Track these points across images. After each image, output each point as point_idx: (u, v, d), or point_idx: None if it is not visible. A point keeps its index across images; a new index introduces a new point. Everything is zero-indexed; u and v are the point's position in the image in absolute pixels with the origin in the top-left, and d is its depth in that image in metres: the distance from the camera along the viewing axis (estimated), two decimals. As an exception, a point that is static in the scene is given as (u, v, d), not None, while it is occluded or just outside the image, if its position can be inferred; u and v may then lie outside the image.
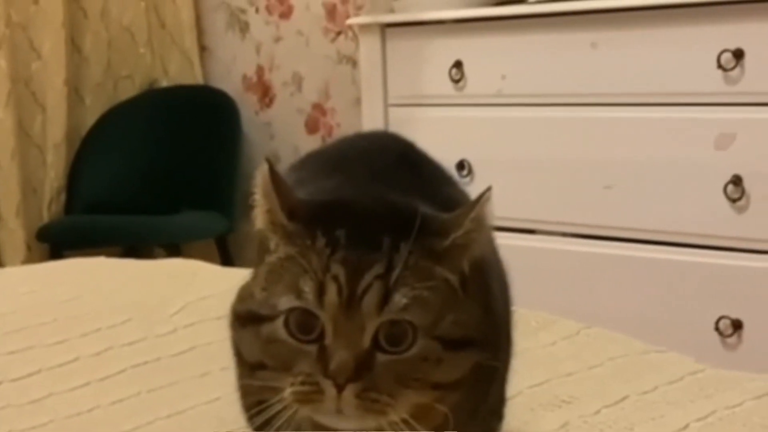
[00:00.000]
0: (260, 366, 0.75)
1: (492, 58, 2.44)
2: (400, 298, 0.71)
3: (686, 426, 1.15)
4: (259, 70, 3.69)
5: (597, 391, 1.26)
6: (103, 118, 3.70)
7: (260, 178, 0.76)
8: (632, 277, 2.22)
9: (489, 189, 0.77)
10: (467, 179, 2.46)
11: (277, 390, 0.74)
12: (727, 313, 2.09)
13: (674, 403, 1.22)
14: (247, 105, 3.69)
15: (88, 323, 1.65)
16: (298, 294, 0.72)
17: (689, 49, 2.14)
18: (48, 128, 3.54)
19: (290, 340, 0.73)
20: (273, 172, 0.76)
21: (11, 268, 2.91)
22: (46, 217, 3.54)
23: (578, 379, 1.31)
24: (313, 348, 0.72)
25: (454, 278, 0.75)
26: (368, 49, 2.64)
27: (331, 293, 0.71)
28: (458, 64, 2.46)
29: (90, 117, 3.68)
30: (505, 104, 2.43)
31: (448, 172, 1.04)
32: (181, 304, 1.75)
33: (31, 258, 3.37)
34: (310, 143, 3.52)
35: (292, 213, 0.75)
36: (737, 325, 2.08)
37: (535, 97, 2.38)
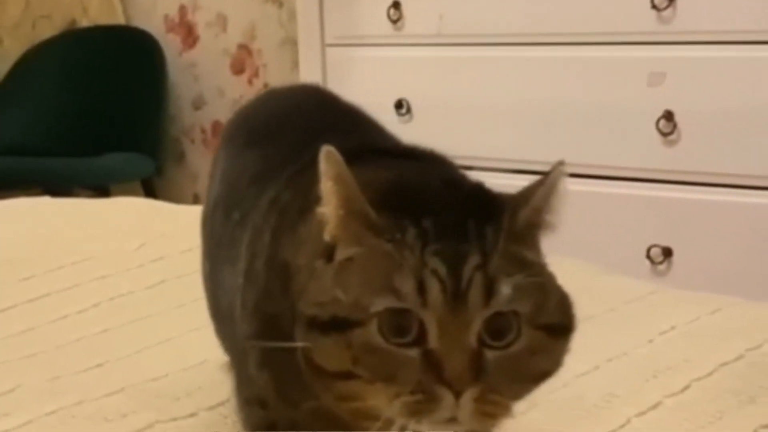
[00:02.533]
0: (347, 376, 0.67)
1: (429, -2, 2.49)
2: (504, 288, 0.66)
3: (651, 340, 1.24)
4: (182, 9, 3.66)
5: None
6: (21, 59, 3.64)
7: (330, 163, 0.68)
8: (569, 209, 2.30)
9: (561, 163, 0.72)
10: (406, 118, 2.52)
11: (367, 408, 0.67)
12: (657, 242, 2.20)
13: (637, 319, 1.31)
14: (170, 46, 3.66)
15: (50, 261, 1.66)
16: (395, 293, 0.65)
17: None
18: (-32, 69, 3.48)
19: (387, 345, 0.65)
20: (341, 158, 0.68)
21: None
22: (-33, 160, 3.49)
23: (544, 301, 1.39)
24: (414, 352, 0.65)
25: (541, 260, 0.72)
26: (304, -12, 2.66)
27: (434, 290, 0.65)
28: (396, 5, 2.50)
29: (9, 58, 3.62)
30: (443, 44, 2.49)
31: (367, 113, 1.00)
32: (141, 240, 1.77)
33: (-46, 201, 3.32)
34: (236, 84, 3.52)
35: (376, 201, 0.68)
36: (667, 253, 2.19)
37: (473, 37, 2.44)
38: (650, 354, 1.19)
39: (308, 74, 2.66)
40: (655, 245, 2.19)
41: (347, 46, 2.61)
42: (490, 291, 0.66)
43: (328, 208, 0.69)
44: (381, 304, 0.65)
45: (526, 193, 0.71)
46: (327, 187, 0.69)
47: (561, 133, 2.32)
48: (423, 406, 0.65)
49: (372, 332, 0.65)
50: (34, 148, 3.49)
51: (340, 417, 0.70)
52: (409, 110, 2.51)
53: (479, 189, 0.73)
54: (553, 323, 0.69)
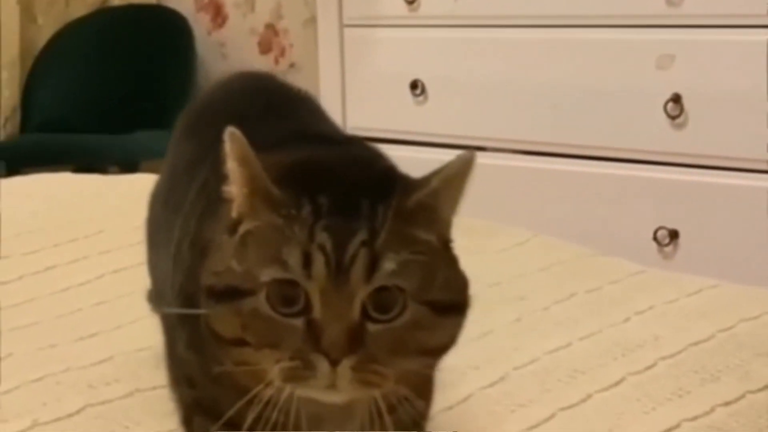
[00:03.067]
0: (239, 342, 0.70)
1: (445, -22, 2.51)
2: (388, 264, 0.68)
3: (627, 319, 1.26)
4: (212, -11, 3.71)
5: (547, 290, 1.37)
6: (55, 36, 3.70)
7: (233, 143, 0.71)
8: (577, 191, 2.33)
9: (472, 153, 0.73)
10: (421, 99, 2.54)
11: (258, 373, 0.70)
12: (664, 224, 2.21)
13: (617, 299, 1.34)
14: (199, 25, 3.71)
15: (61, 234, 1.71)
16: (282, 265, 0.68)
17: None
18: (1, 47, 3.54)
19: (273, 313, 0.69)
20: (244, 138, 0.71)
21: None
22: (2, 135, 3.57)
23: (529, 280, 1.42)
24: (299, 321, 0.68)
25: (434, 239, 0.73)
26: (322, -31, 2.69)
27: (319, 263, 0.67)
28: (412, -15, 2.53)
29: (43, 36, 3.68)
30: (458, 25, 2.51)
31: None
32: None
33: (-13, 176, 3.40)
34: (263, 63, 3.56)
35: (277, 178, 0.71)
36: (674, 235, 2.20)
37: (487, 18, 2.46)
38: (623, 332, 1.21)
39: (327, 54, 2.69)
40: (661, 227, 2.21)
41: (365, 27, 2.64)
42: (373, 266, 0.68)
43: (234, 186, 0.72)
44: (269, 274, 0.68)
45: (427, 177, 0.73)
46: (232, 167, 0.72)
47: (570, 114, 2.33)
48: (300, 372, 0.68)
49: (260, 301, 0.69)
50: (66, 124, 3.56)
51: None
52: (424, 91, 2.54)
53: (383, 171, 0.76)
54: (440, 300, 0.72)
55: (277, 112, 0.91)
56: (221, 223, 0.74)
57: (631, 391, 1.06)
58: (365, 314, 0.69)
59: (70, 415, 1.02)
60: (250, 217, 0.72)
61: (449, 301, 0.73)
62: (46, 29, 3.69)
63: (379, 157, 0.80)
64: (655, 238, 2.21)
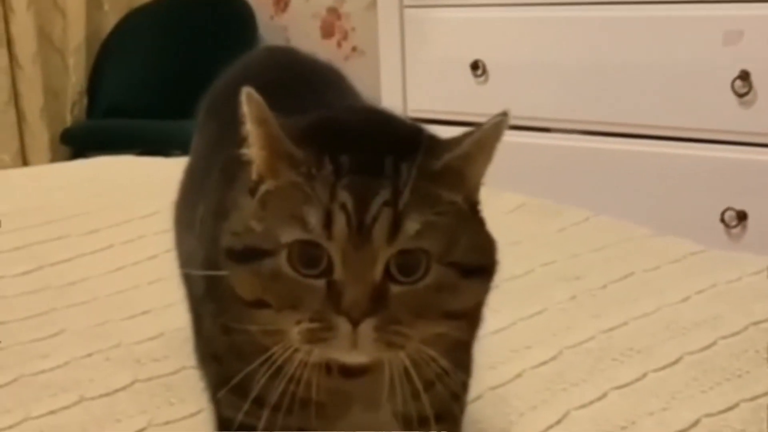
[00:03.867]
0: (260, 304, 0.69)
1: (506, -42, 2.47)
2: (411, 225, 0.66)
3: (687, 298, 1.23)
4: (274, -26, 3.72)
5: (603, 269, 1.34)
6: (121, 23, 3.74)
7: (250, 104, 0.69)
8: (643, 171, 2.28)
9: (504, 114, 0.70)
10: (482, 79, 2.51)
11: (278, 334, 0.69)
12: (732, 205, 2.15)
13: (676, 278, 1.30)
14: (262, 10, 3.72)
15: (119, 215, 1.72)
16: (303, 225, 0.66)
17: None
18: (68, 33, 3.59)
19: (295, 275, 0.67)
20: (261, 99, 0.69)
21: (40, 167, 3.00)
22: (69, 121, 3.62)
23: (586, 259, 1.39)
24: (320, 283, 0.67)
25: (460, 201, 0.71)
26: (383, -49, 2.67)
27: (340, 223, 0.66)
28: (473, -35, 2.50)
29: (109, 22, 3.72)
30: (518, 4, 2.47)
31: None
32: (208, 196, 1.82)
33: (54, 160, 3.45)
34: (326, 48, 3.55)
35: (297, 138, 0.69)
36: (742, 216, 2.14)
37: (548, -4, 2.42)
38: (681, 312, 1.18)
39: (387, 36, 2.67)
40: (729, 208, 2.15)
41: (425, 7, 2.61)
42: (396, 227, 0.66)
43: (253, 149, 0.71)
44: (290, 235, 0.67)
45: (458, 138, 0.71)
46: (250, 128, 0.70)
47: (635, 93, 2.28)
48: (320, 333, 0.66)
49: (281, 262, 0.67)
50: (131, 110, 3.60)
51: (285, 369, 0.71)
52: (484, 71, 2.50)
53: (408, 130, 0.73)
54: (465, 262, 0.69)
55: (298, 84, 0.90)
56: (243, 186, 0.73)
57: (688, 370, 1.03)
58: (387, 275, 0.67)
59: (116, 391, 1.03)
60: (270, 177, 0.70)
61: (475, 264, 0.70)
62: (111, 16, 3.73)
63: (404, 120, 0.78)
64: (722, 220, 2.16)
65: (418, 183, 0.68)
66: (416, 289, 0.67)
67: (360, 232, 0.66)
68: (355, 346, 0.66)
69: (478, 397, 0.96)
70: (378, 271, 0.67)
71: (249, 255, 0.69)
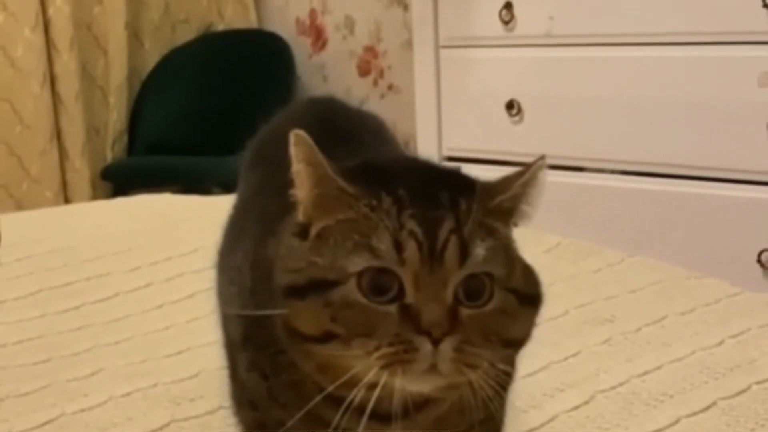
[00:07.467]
0: (327, 337, 0.68)
1: (541, -1, 2.50)
2: (479, 250, 0.69)
3: (721, 342, 1.22)
4: (312, 13, 3.76)
5: (638, 312, 1.34)
6: (162, 61, 3.80)
7: (299, 145, 0.71)
8: (678, 212, 2.28)
9: (543, 158, 0.74)
10: (517, 119, 2.53)
11: (339, 369, 0.69)
12: (769, 246, 2.15)
13: (711, 322, 1.30)
14: (300, 48, 3.77)
15: (159, 253, 1.75)
16: (373, 252, 0.68)
17: (736, -11, 2.18)
18: (110, 71, 3.65)
19: (366, 302, 0.68)
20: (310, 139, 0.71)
21: (81, 204, 3.04)
22: (109, 157, 3.67)
23: (620, 301, 1.39)
24: (392, 308, 0.67)
25: (511, 235, 0.74)
26: (420, -9, 2.70)
27: (411, 249, 0.67)
28: (508, 6, 2.51)
29: (149, 60, 3.78)
30: (553, 45, 2.49)
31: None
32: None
33: (96, 197, 3.50)
34: (362, 85, 3.59)
35: (348, 177, 0.71)
36: (779, 258, 2.14)
37: (582, 37, 2.43)
38: (716, 356, 1.18)
39: (423, 75, 2.70)
40: (766, 250, 2.14)
41: (460, 47, 2.63)
42: (464, 252, 0.69)
43: (302, 190, 0.72)
44: (359, 263, 0.68)
45: (505, 181, 0.73)
46: (299, 169, 0.71)
47: (670, 133, 2.28)
48: (401, 356, 0.67)
49: (351, 290, 0.68)
50: (171, 147, 3.65)
51: (324, 416, 0.72)
52: (520, 110, 2.52)
53: (456, 171, 0.76)
54: (522, 290, 0.72)
55: (342, 134, 0.91)
56: (286, 232, 0.74)
57: (722, 416, 1.03)
58: (457, 300, 0.69)
59: (154, 431, 1.04)
60: (321, 217, 0.71)
61: (529, 292, 0.73)
62: (152, 54, 3.79)
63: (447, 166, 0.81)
64: (759, 261, 2.15)
65: (477, 215, 0.70)
66: (484, 313, 0.69)
67: (432, 257, 0.68)
68: (434, 368, 0.67)
69: (511, 441, 0.97)
70: (450, 295, 0.68)
71: (314, 287, 0.69)
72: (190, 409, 1.09)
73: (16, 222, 2.09)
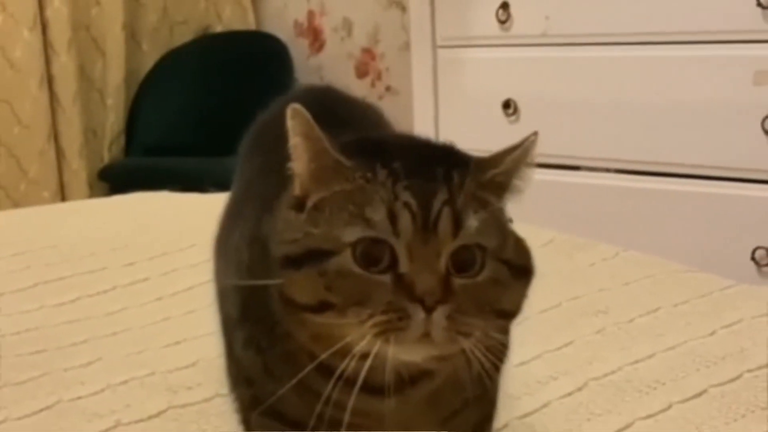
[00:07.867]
0: (322, 306, 0.70)
1: (537, -1, 2.51)
2: (471, 222, 0.70)
3: (713, 332, 1.24)
4: (310, 15, 3.77)
5: (631, 303, 1.35)
6: (159, 62, 3.81)
7: (298, 121, 0.72)
8: (673, 210, 2.29)
9: (535, 134, 0.75)
10: (513, 118, 2.54)
11: (333, 338, 0.70)
12: (763, 243, 2.15)
13: (703, 313, 1.31)
14: (298, 50, 3.78)
15: (156, 248, 1.76)
16: (367, 223, 0.69)
17: (730, -12, 2.20)
18: (108, 72, 3.66)
19: (361, 271, 0.69)
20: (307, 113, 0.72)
21: (78, 201, 3.05)
22: (106, 158, 3.68)
23: (614, 293, 1.40)
24: (386, 278, 0.69)
25: (503, 209, 0.74)
26: (417, -8, 2.71)
27: (405, 220, 0.69)
28: (504, 6, 2.52)
29: (147, 62, 3.79)
30: (549, 44, 2.50)
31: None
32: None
33: (93, 197, 3.49)
34: (360, 87, 3.60)
35: (344, 150, 0.72)
36: (773, 255, 2.15)
37: (579, 37, 2.44)
38: (708, 345, 1.19)
39: (420, 76, 2.71)
40: (760, 247, 2.15)
41: (457, 47, 2.65)
42: (457, 223, 0.70)
43: (299, 163, 0.73)
44: (353, 234, 0.69)
45: (498, 156, 0.74)
46: (296, 142, 0.72)
47: (666, 132, 2.29)
48: (395, 324, 0.68)
49: (346, 260, 0.69)
50: (168, 148, 3.66)
51: (316, 387, 0.72)
52: (516, 110, 2.53)
53: (450, 147, 0.77)
54: (514, 262, 0.73)
55: (339, 120, 0.91)
56: (282, 206, 0.75)
57: (713, 402, 1.04)
58: (449, 271, 0.70)
59: (151, 417, 1.05)
60: (317, 190, 0.72)
61: (521, 264, 0.74)
62: (150, 55, 3.80)
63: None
64: (753, 258, 2.16)
65: (470, 188, 0.71)
66: (476, 283, 0.70)
67: (425, 228, 0.69)
68: (428, 335, 0.68)
69: (505, 426, 0.98)
70: (443, 265, 0.69)
71: (311, 257, 0.70)
72: (188, 397, 1.10)
73: (13, 219, 2.10)
